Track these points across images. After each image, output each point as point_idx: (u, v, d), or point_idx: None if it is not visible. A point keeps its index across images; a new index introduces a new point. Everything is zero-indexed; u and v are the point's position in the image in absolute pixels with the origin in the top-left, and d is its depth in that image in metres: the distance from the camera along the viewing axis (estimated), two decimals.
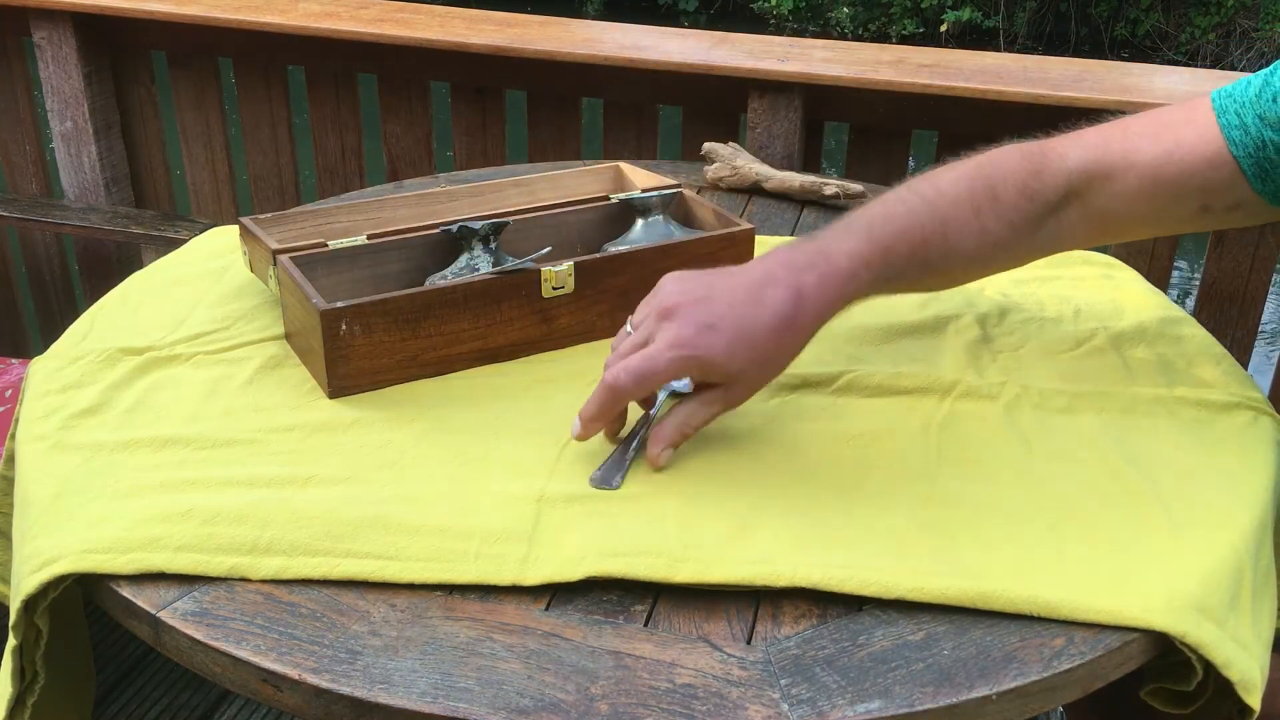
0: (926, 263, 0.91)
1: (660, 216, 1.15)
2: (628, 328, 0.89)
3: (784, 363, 0.88)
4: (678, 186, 1.20)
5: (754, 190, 1.48)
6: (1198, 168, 0.91)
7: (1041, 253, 0.98)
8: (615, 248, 1.12)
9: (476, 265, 1.06)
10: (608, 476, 0.85)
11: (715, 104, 1.84)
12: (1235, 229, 1.69)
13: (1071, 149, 0.94)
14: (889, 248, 0.88)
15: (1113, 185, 0.93)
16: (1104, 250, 1.34)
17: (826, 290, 0.86)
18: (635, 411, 0.93)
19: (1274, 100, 0.89)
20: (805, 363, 1.01)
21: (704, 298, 0.85)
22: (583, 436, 0.87)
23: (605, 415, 0.86)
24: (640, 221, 1.15)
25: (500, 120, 2.00)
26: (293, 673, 0.69)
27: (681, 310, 0.84)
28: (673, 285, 0.87)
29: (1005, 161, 0.94)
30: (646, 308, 0.88)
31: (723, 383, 0.86)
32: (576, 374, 1.00)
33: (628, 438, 0.89)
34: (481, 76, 1.95)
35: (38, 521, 0.81)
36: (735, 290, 0.85)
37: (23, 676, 0.80)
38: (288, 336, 1.04)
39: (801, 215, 1.41)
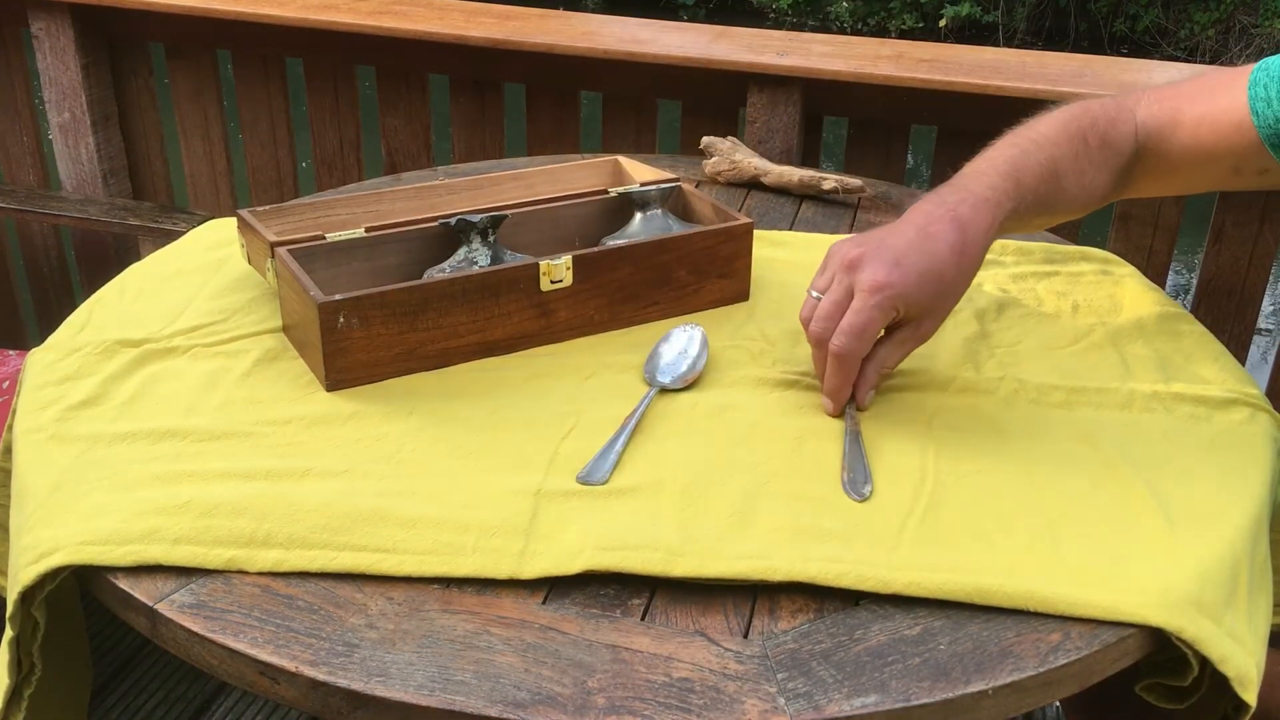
0: (1045, 199, 0.99)
1: (659, 210, 1.15)
2: (813, 294, 0.94)
3: (963, 288, 0.93)
4: (676, 180, 1.20)
5: (753, 184, 1.48)
6: (1226, 133, 0.97)
7: (1119, 194, 1.07)
8: (614, 241, 1.12)
9: (475, 258, 1.06)
10: (595, 473, 0.85)
11: (714, 98, 1.84)
12: (1234, 229, 1.69)
13: (1138, 105, 1.04)
14: (1019, 181, 0.96)
15: (1166, 143, 1.02)
16: (1102, 246, 1.34)
17: (980, 217, 0.93)
18: (624, 406, 0.93)
19: None
20: (803, 358, 1.02)
21: (881, 244, 0.90)
22: (836, 410, 0.93)
23: (847, 381, 0.91)
24: (639, 215, 1.15)
25: (499, 113, 2.00)
26: (289, 665, 0.69)
27: (866, 258, 0.90)
28: (848, 245, 0.92)
29: (1090, 111, 1.03)
30: (827, 271, 0.93)
31: (915, 317, 0.91)
32: (574, 368, 1.00)
33: (615, 433, 0.89)
34: (480, 69, 1.95)
35: (35, 513, 0.81)
36: (905, 233, 0.91)
37: (19, 668, 0.80)
38: (285, 329, 1.04)
39: (800, 210, 1.41)
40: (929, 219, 0.92)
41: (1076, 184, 1.01)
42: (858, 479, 0.85)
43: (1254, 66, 0.97)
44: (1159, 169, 1.04)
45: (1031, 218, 1.00)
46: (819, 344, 0.91)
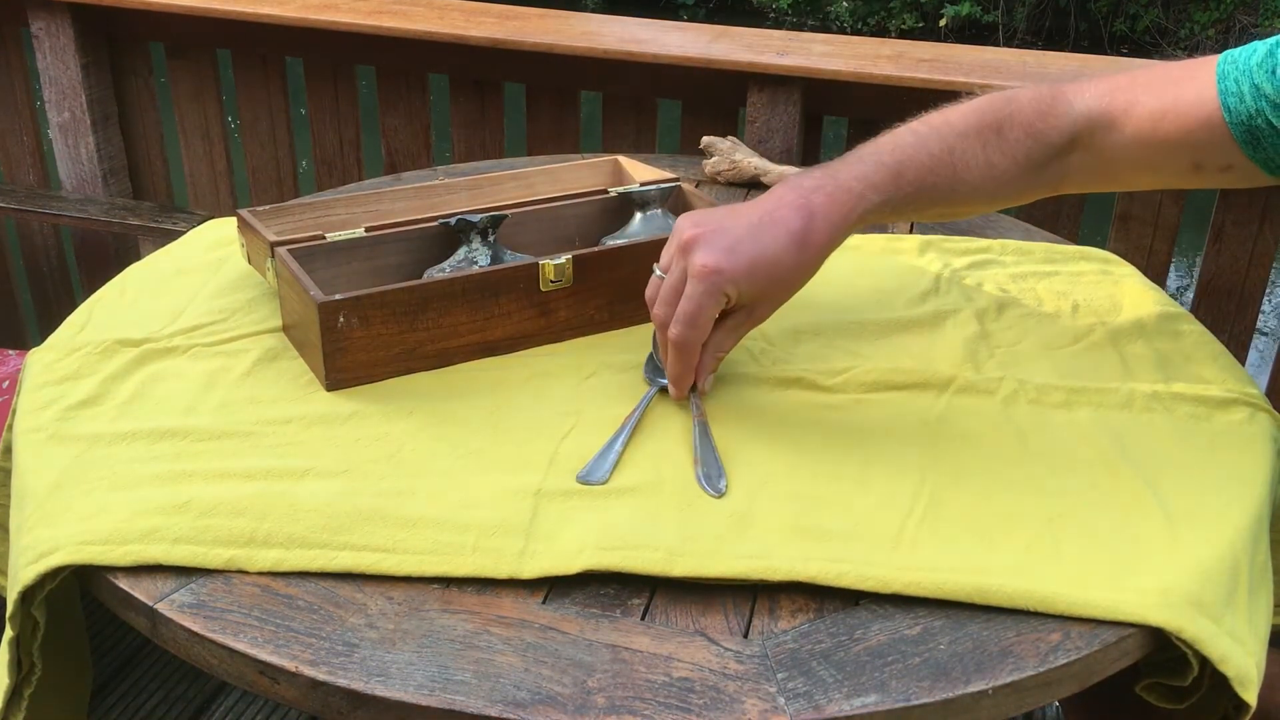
0: (935, 189, 0.94)
1: (659, 210, 1.15)
2: (657, 272, 0.93)
3: (801, 280, 0.91)
4: (676, 180, 1.20)
5: (753, 184, 1.48)
6: (1191, 127, 0.93)
7: (1047, 190, 1.01)
8: (614, 241, 1.12)
9: (474, 258, 1.06)
10: (594, 472, 0.85)
11: (714, 98, 1.84)
12: (1234, 228, 1.69)
13: (1080, 96, 0.98)
14: (898, 173, 0.92)
15: (1113, 135, 0.97)
16: (1102, 246, 1.34)
17: (835, 209, 0.90)
18: (624, 406, 0.93)
19: (1273, 73, 0.89)
20: (802, 358, 1.02)
21: (719, 227, 0.89)
22: (680, 395, 0.93)
23: (689, 367, 0.91)
24: (639, 215, 1.15)
25: (499, 113, 2.00)
26: (289, 665, 0.69)
27: (702, 240, 0.88)
28: (688, 222, 0.91)
29: (1015, 101, 0.98)
30: (669, 249, 0.91)
31: (748, 304, 0.90)
32: (574, 367, 1.00)
33: (615, 433, 0.89)
34: (480, 69, 1.95)
35: (35, 513, 0.81)
36: (749, 216, 0.90)
37: (19, 668, 0.80)
38: (285, 329, 1.04)
39: None
40: (778, 204, 0.89)
41: (982, 176, 0.95)
42: (712, 474, 0.85)
43: (1216, 59, 0.94)
44: (1102, 164, 0.99)
45: (919, 209, 0.97)
46: (661, 328, 0.91)
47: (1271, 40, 0.91)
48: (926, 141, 0.94)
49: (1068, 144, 0.97)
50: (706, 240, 0.88)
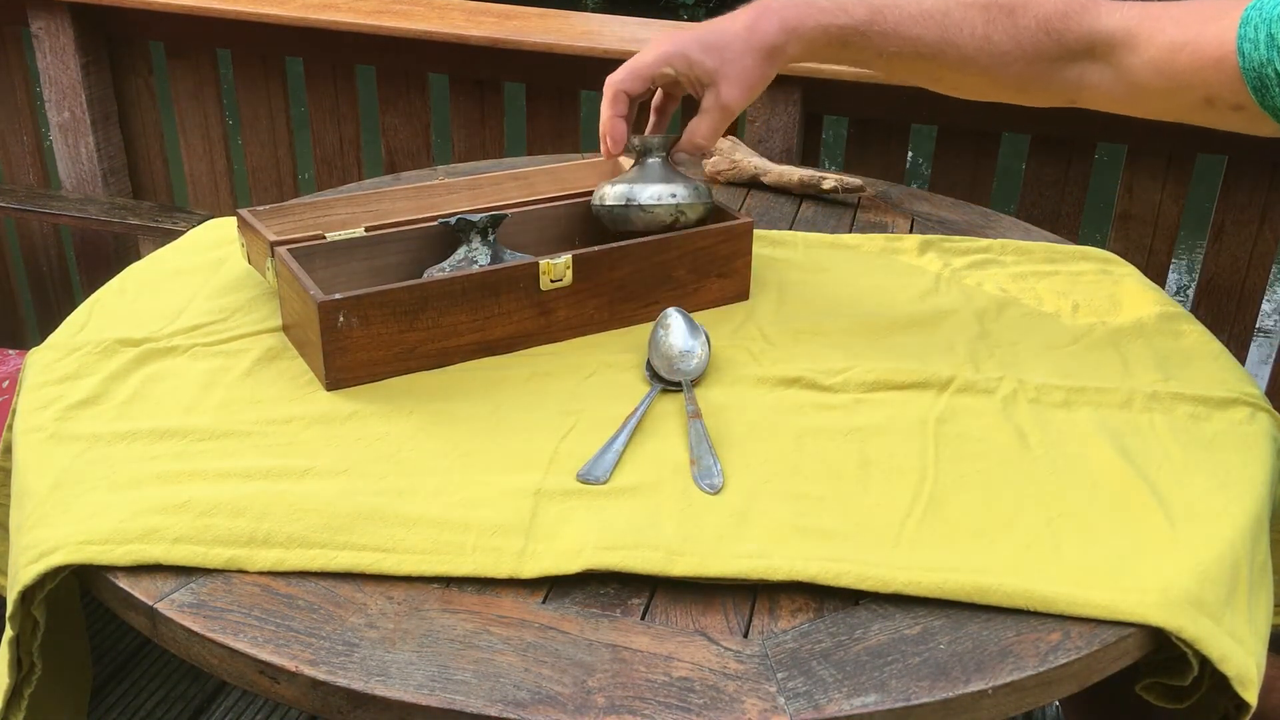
0: (920, 41, 1.00)
1: (660, 159, 1.11)
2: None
3: (753, 60, 0.99)
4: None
5: (752, 184, 1.48)
6: (1205, 64, 0.95)
7: (1061, 96, 1.05)
8: (615, 186, 1.09)
9: (474, 258, 1.06)
10: (594, 471, 0.85)
11: None
12: (1234, 228, 1.69)
13: (1112, 13, 1.01)
14: (879, 10, 0.98)
15: (1133, 56, 0.99)
16: (1102, 246, 1.34)
17: (792, 9, 0.99)
18: (624, 406, 0.93)
19: None
20: (802, 357, 1.02)
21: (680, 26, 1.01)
22: (612, 151, 1.05)
23: (612, 113, 1.02)
24: (646, 162, 1.12)
25: (499, 113, 2.00)
26: (289, 664, 0.69)
27: (661, 35, 1.02)
28: None
29: None
30: None
31: (707, 83, 0.99)
32: (574, 367, 1.00)
33: (615, 432, 0.89)
34: (480, 69, 1.95)
35: (35, 512, 0.81)
36: (708, 21, 1.02)
37: (19, 668, 0.80)
38: (285, 328, 1.04)
39: (800, 209, 1.41)
40: (741, 9, 1.00)
41: (977, 48, 1.00)
42: (708, 470, 0.85)
43: (1246, 4, 0.95)
44: (1119, 84, 1.01)
45: (904, 60, 1.02)
46: (608, 89, 1.01)
47: None
48: None
49: (1084, 50, 1.01)
50: (666, 34, 1.01)
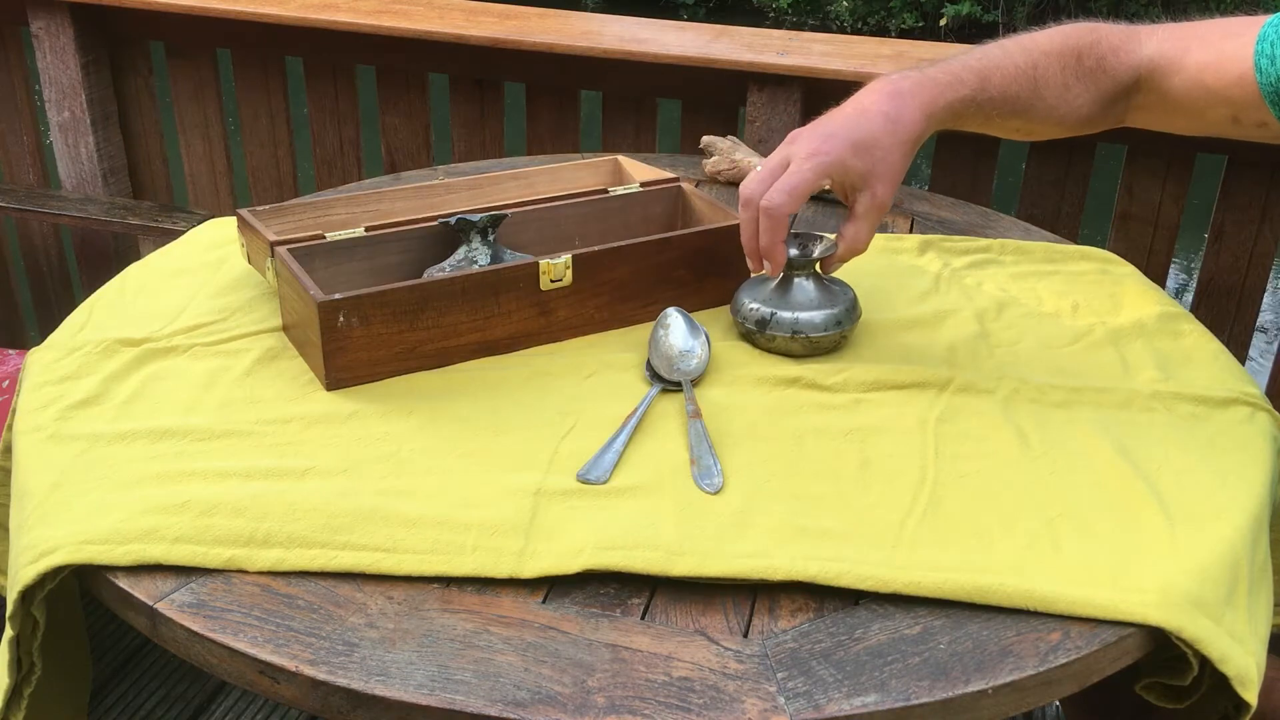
0: (1018, 99, 1.01)
1: (808, 275, 1.03)
2: (757, 167, 0.98)
3: (900, 157, 0.96)
4: (676, 180, 1.20)
5: None
6: (1228, 82, 0.98)
7: (1113, 122, 1.09)
8: (776, 311, 1.01)
9: (474, 258, 1.06)
10: (595, 471, 0.85)
11: (714, 97, 1.84)
12: (1234, 228, 1.69)
13: (1148, 39, 1.05)
14: (984, 76, 1.00)
15: (1169, 80, 1.03)
16: (1102, 246, 1.34)
17: (922, 92, 0.97)
18: (624, 406, 0.93)
19: None
20: (803, 359, 1.01)
21: (819, 122, 0.97)
22: (759, 269, 0.99)
23: (776, 239, 0.95)
24: (796, 280, 1.04)
25: (499, 113, 2.00)
26: (290, 664, 0.69)
27: (804, 134, 0.96)
28: (794, 130, 0.99)
29: (1098, 31, 1.05)
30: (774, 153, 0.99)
31: (860, 186, 0.96)
32: (574, 367, 1.00)
33: (616, 432, 0.89)
34: (480, 69, 1.95)
35: (35, 512, 0.81)
36: (844, 111, 0.98)
37: (19, 667, 0.80)
38: (285, 328, 1.04)
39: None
40: (867, 94, 0.98)
41: (1058, 97, 1.03)
42: (707, 469, 0.85)
43: (1266, 20, 0.97)
44: (1160, 105, 1.05)
45: (1004, 117, 1.03)
46: (748, 204, 0.95)
47: None
48: (1011, 54, 1.01)
49: (1134, 82, 1.04)
50: (809, 132, 0.96)
